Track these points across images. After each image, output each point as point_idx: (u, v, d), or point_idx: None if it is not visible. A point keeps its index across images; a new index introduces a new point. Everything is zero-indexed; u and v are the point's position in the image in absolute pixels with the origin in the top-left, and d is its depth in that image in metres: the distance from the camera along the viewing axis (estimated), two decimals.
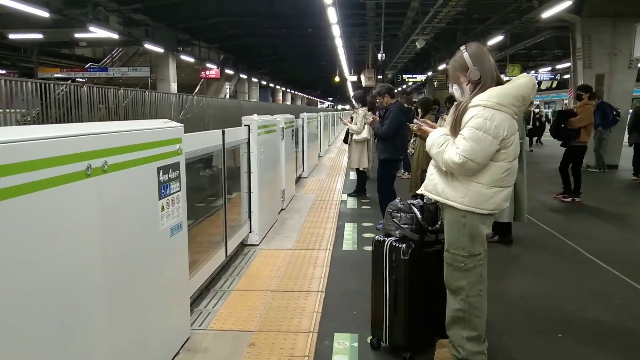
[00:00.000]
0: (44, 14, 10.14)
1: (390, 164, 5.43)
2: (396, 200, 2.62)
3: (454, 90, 2.37)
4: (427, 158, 6.90)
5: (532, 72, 27.13)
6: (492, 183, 2.24)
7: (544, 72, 26.95)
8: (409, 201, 2.58)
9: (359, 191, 7.58)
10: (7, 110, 7.71)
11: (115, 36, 14.14)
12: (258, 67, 33.35)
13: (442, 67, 22.92)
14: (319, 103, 74.45)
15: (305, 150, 9.70)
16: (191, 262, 2.90)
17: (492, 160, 2.22)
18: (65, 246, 1.61)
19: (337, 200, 7.11)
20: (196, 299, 3.33)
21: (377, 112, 6.66)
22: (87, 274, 1.75)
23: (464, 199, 2.25)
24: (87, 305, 1.75)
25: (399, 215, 2.56)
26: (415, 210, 2.51)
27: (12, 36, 16.09)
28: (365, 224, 5.67)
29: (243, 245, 4.64)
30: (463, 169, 2.21)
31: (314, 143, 11.99)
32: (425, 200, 2.55)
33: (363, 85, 22.49)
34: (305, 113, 10.03)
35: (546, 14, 10.94)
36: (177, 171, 2.54)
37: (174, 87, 18.40)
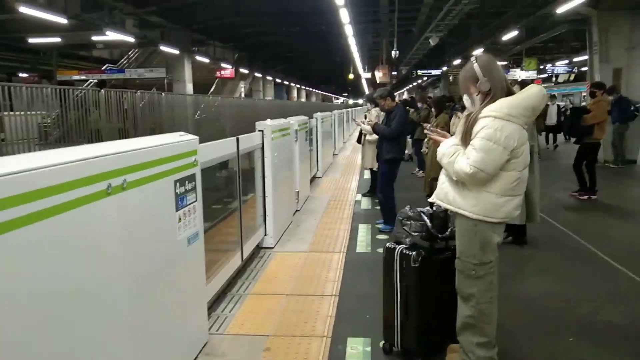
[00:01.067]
0: (62, 20, 10.36)
1: (396, 163, 5.56)
2: (406, 208, 2.67)
3: (465, 100, 2.41)
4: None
5: (549, 65, 26.77)
6: (502, 192, 2.27)
7: (561, 65, 26.56)
8: (418, 209, 2.63)
9: (372, 191, 7.61)
10: (28, 113, 7.95)
11: (131, 39, 14.35)
12: (273, 65, 33.47)
13: (457, 62, 22.75)
14: (333, 99, 74.35)
15: (319, 149, 9.74)
16: (207, 267, 2.99)
17: (502, 170, 2.25)
18: (90, 261, 1.70)
19: (351, 200, 7.16)
20: (213, 303, 3.42)
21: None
22: (111, 285, 1.84)
23: (475, 208, 2.29)
24: (111, 313, 1.85)
25: (409, 223, 2.60)
26: (425, 218, 2.55)
27: (31, 40, 16.44)
28: (378, 225, 5.70)
29: (258, 248, 4.72)
30: (474, 179, 2.24)
31: (329, 142, 12.01)
32: (435, 208, 2.59)
33: (377, 82, 22.43)
34: (319, 113, 10.07)
35: (561, 9, 10.78)
36: (193, 182, 2.62)
37: (189, 88, 18.60)
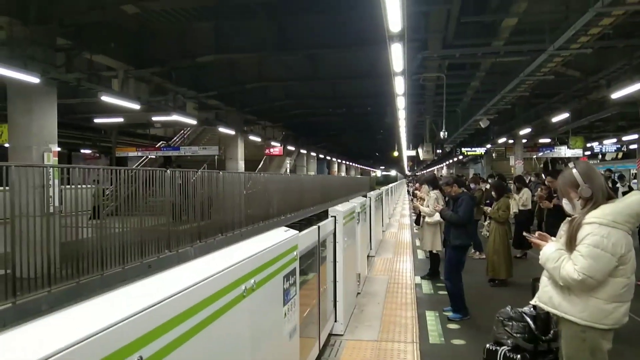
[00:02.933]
0: (135, 106, 11.25)
1: (464, 249, 5.56)
2: (507, 308, 2.67)
3: (564, 204, 2.47)
4: (503, 242, 6.87)
5: (596, 143, 26.44)
6: (611, 298, 2.27)
7: (608, 144, 26.19)
8: (520, 309, 2.62)
9: (432, 274, 7.52)
10: (84, 186, 8.41)
11: (193, 122, 15.27)
12: (316, 142, 34.57)
13: (501, 140, 22.86)
14: (371, 172, 75.40)
15: (372, 227, 9.78)
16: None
17: (610, 276, 2.26)
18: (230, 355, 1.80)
19: (410, 283, 7.06)
20: None
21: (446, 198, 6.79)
22: None
23: (584, 314, 2.27)
24: None
25: (510, 324, 2.59)
26: (528, 319, 2.54)
27: (96, 120, 17.63)
28: (447, 313, 5.59)
29: (329, 335, 4.69)
30: (582, 285, 2.26)
31: (378, 218, 12.08)
32: (537, 310, 2.58)
33: (421, 159, 22.68)
34: (372, 192, 10.25)
35: (616, 95, 10.83)
36: (295, 277, 2.73)
37: (241, 165, 19.37)
